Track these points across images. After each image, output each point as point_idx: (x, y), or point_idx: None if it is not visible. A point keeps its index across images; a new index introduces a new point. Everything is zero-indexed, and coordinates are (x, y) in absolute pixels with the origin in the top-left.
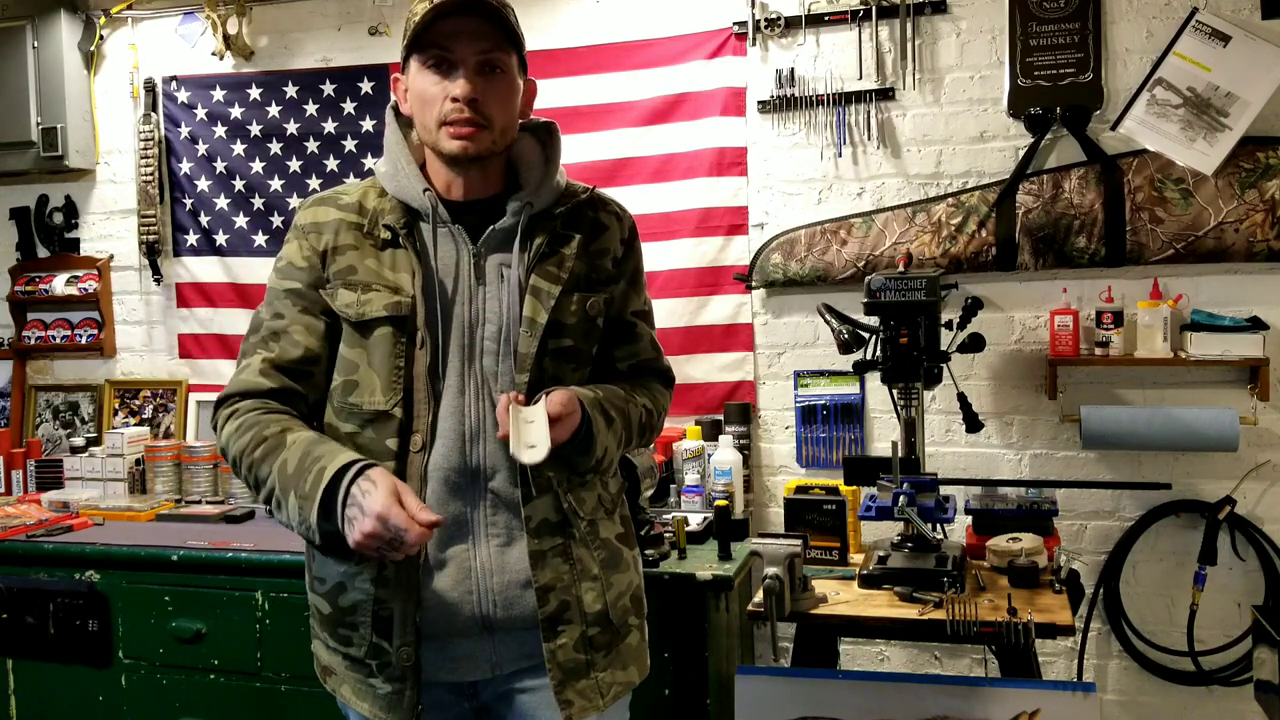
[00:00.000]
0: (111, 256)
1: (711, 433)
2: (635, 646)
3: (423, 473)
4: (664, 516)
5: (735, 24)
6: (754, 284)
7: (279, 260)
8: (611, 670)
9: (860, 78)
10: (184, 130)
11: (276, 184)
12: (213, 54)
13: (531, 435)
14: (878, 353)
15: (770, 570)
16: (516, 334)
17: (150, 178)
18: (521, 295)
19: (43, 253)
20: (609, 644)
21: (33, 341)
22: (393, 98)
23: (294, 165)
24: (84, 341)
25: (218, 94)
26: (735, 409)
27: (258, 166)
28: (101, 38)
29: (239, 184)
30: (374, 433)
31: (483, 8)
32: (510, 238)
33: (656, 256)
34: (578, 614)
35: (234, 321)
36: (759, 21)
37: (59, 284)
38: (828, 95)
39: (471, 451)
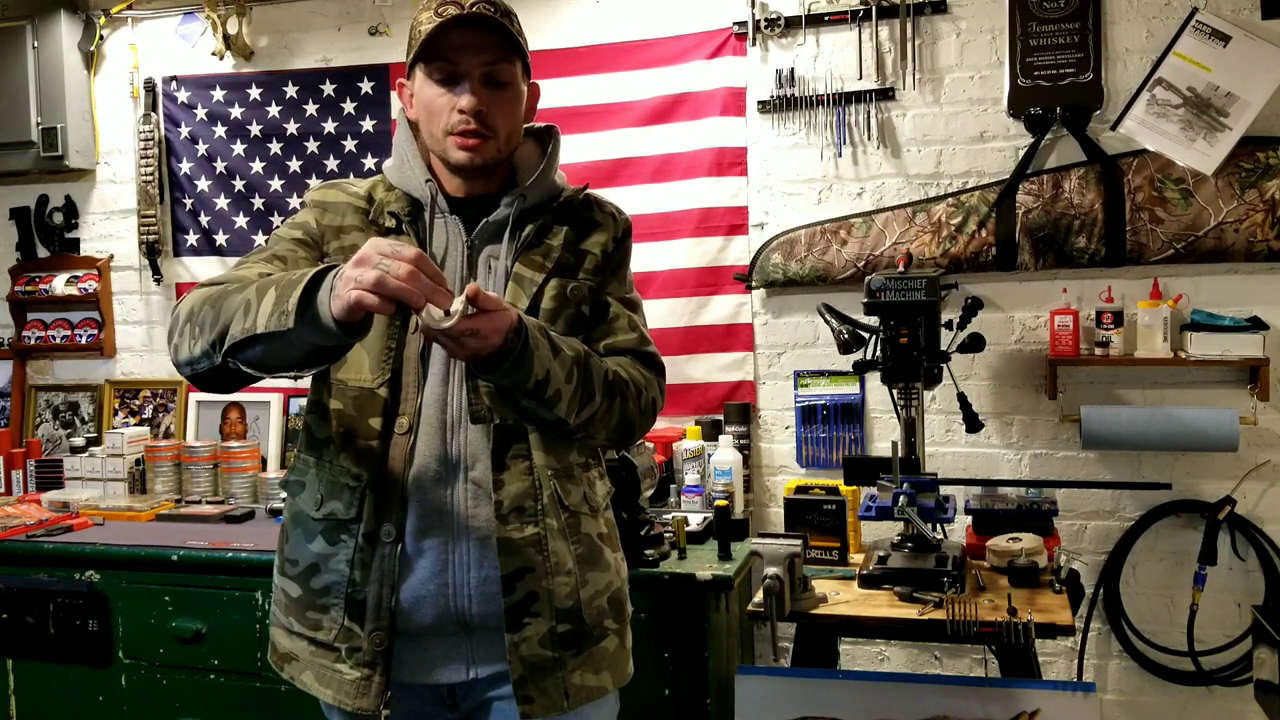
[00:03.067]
0: (111, 256)
1: (711, 433)
2: (611, 652)
3: (407, 455)
4: (664, 516)
5: (735, 24)
6: (754, 284)
7: (290, 219)
8: (581, 672)
9: (860, 78)
10: (184, 130)
11: (276, 184)
12: (213, 54)
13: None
14: (878, 353)
15: (770, 570)
16: None
17: (150, 178)
18: (506, 283)
19: (43, 253)
20: (579, 644)
21: (33, 341)
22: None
23: (294, 165)
24: (84, 341)
25: (218, 94)
26: (735, 409)
27: (258, 166)
28: (101, 38)
29: (239, 184)
30: (357, 410)
31: (487, 21)
32: (503, 230)
33: (656, 256)
34: (547, 607)
35: None
36: (759, 21)
37: (59, 284)
38: (828, 95)
39: (452, 440)
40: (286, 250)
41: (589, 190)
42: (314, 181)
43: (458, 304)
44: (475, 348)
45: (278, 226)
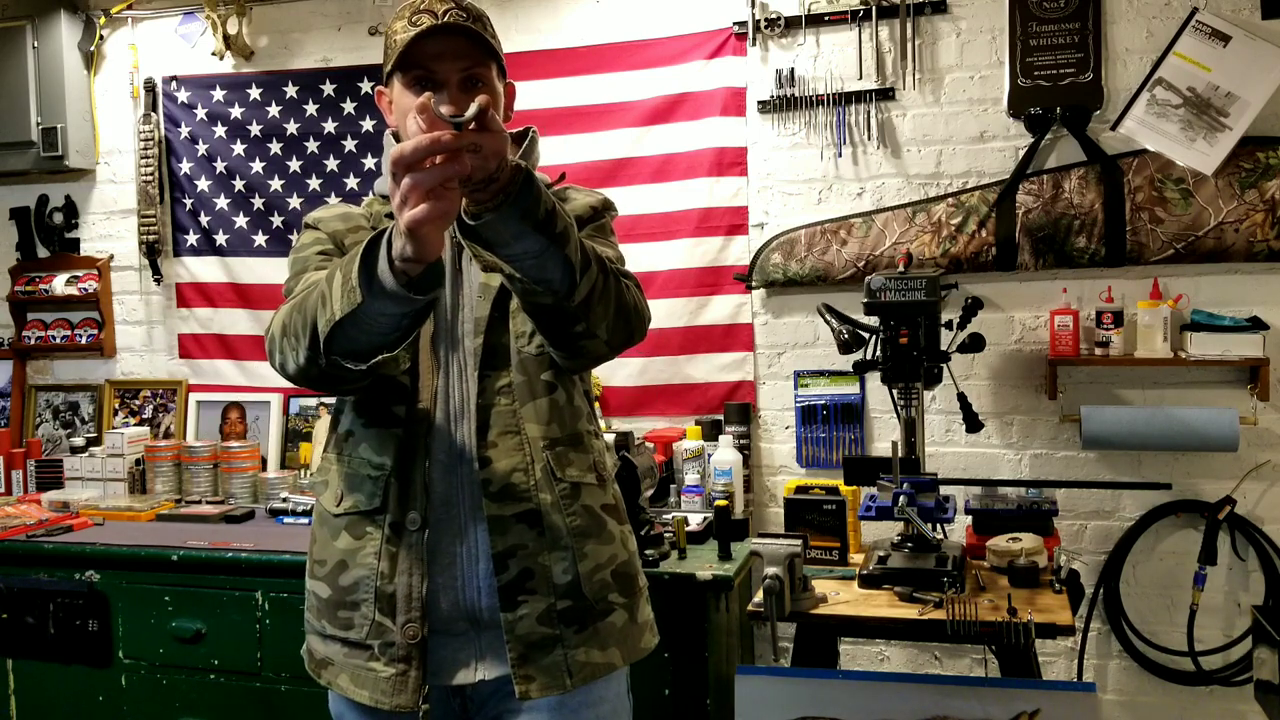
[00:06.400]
0: (111, 256)
1: (711, 433)
2: (620, 627)
3: (424, 444)
4: (664, 516)
5: (735, 24)
6: (754, 284)
7: (298, 247)
8: (586, 648)
9: (860, 78)
10: (184, 130)
11: (276, 184)
12: (213, 54)
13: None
14: (878, 353)
15: (770, 570)
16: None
17: (150, 178)
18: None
19: (43, 253)
20: (582, 620)
21: (33, 341)
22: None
23: (294, 165)
24: (84, 341)
25: (218, 94)
26: (735, 409)
27: (258, 166)
28: (101, 38)
29: (239, 184)
30: (380, 397)
31: (462, 29)
32: None
33: (656, 256)
34: (544, 584)
35: (234, 321)
36: (759, 21)
37: (59, 284)
38: (828, 95)
39: (456, 431)
40: (324, 262)
41: (566, 183)
42: (313, 182)
43: (472, 110)
44: (473, 166)
45: (297, 243)
